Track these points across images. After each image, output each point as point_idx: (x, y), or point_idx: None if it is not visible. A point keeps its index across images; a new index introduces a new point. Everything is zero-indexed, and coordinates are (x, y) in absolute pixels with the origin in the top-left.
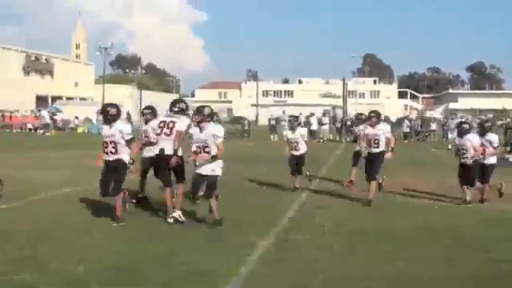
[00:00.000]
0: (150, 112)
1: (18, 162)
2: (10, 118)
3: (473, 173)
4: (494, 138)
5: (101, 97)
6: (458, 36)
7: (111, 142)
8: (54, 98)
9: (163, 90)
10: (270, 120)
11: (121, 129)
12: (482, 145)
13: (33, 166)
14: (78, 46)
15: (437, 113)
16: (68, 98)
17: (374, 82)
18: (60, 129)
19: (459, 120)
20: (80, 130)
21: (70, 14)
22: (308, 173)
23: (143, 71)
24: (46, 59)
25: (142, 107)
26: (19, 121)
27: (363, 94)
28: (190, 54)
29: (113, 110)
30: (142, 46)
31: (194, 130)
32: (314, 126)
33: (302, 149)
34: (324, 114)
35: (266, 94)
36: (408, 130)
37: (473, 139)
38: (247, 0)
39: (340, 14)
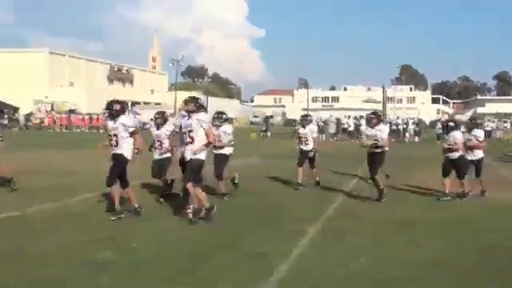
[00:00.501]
0: (160, 117)
1: (102, 157)
2: (97, 120)
3: (457, 166)
4: (479, 133)
5: (173, 102)
6: (485, 48)
7: (114, 135)
8: (134, 103)
9: (226, 96)
10: (318, 122)
11: (123, 122)
12: (467, 141)
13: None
14: (154, 59)
15: (466, 116)
16: (145, 103)
17: (410, 89)
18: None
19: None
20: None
21: (148, 31)
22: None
23: (209, 80)
24: (127, 70)
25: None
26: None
27: (401, 99)
28: (249, 64)
29: (117, 106)
30: (208, 58)
31: (183, 119)
32: (351, 128)
33: (311, 144)
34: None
35: (315, 99)
36: (440, 132)
37: (457, 136)
38: (298, 19)
39: (381, 27)
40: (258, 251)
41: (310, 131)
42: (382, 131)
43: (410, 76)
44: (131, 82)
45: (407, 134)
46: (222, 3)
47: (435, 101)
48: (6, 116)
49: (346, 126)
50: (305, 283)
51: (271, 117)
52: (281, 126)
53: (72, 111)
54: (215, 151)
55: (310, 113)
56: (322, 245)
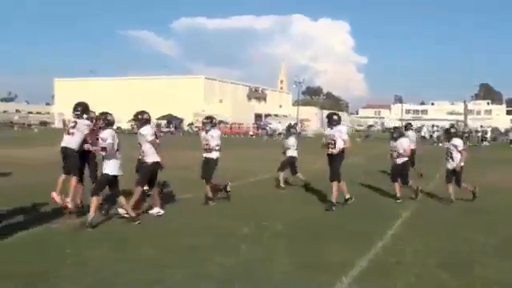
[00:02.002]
0: (208, 122)
1: (243, 156)
2: (239, 127)
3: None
4: (458, 142)
5: (295, 114)
6: None
7: (139, 144)
8: (267, 115)
9: (337, 110)
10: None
11: (142, 133)
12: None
13: (252, 159)
14: (281, 82)
15: None
16: (275, 115)
17: (488, 103)
18: (270, 135)
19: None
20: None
21: (277, 61)
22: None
23: (324, 97)
24: (262, 90)
25: (323, 122)
26: (244, 130)
27: (479, 111)
28: (355, 84)
29: (145, 115)
30: (323, 80)
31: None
32: (426, 135)
33: (401, 158)
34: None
35: (408, 112)
36: None
37: (404, 141)
38: (394, 47)
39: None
40: (359, 231)
41: (400, 144)
42: (342, 132)
43: (487, 92)
44: (265, 99)
45: (484, 141)
46: (334, 38)
47: (509, 112)
48: (172, 125)
49: (423, 134)
50: (396, 257)
51: (372, 125)
52: (379, 133)
53: (221, 121)
54: (204, 155)
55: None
56: (410, 227)
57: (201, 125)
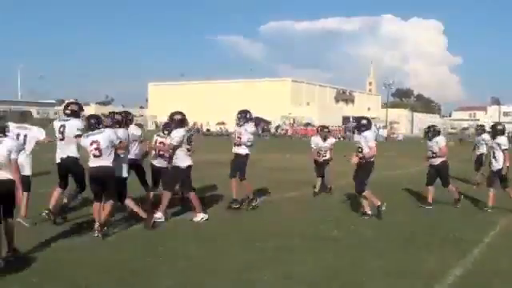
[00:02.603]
0: (243, 116)
1: None
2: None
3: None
4: (502, 140)
5: (384, 117)
6: None
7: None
8: (354, 118)
9: (429, 112)
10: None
11: (172, 136)
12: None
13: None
14: (370, 84)
15: None
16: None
17: None
18: None
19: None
20: None
21: (365, 63)
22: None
23: (414, 99)
24: (349, 92)
25: (414, 125)
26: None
27: None
28: (448, 85)
29: (178, 116)
30: (414, 82)
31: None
32: None
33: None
34: None
35: (506, 114)
36: None
37: (440, 140)
38: (491, 46)
39: None
40: (455, 237)
41: (329, 144)
42: (367, 139)
43: None
44: (352, 101)
45: None
46: (425, 38)
47: None
48: (259, 128)
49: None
50: (494, 266)
51: (467, 128)
52: (474, 136)
53: (308, 124)
54: (234, 150)
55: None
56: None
57: (290, 127)
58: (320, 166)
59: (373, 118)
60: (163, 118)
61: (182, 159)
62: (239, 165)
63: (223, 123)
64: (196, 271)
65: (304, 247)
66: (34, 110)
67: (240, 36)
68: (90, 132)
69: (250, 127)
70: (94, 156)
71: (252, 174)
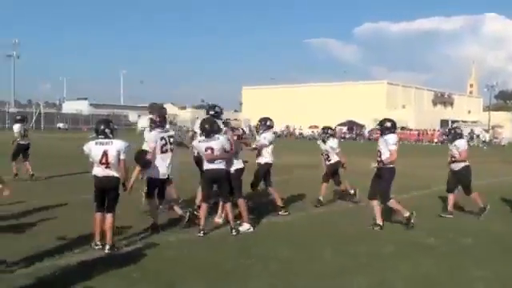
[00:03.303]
0: (263, 123)
1: (423, 164)
2: (422, 134)
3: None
4: (460, 142)
5: (486, 120)
6: None
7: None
8: (453, 121)
9: None
10: None
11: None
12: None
13: (432, 167)
14: (471, 85)
15: None
16: (463, 121)
17: None
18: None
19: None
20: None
21: (465, 64)
22: None
23: None
24: (448, 95)
25: None
26: (429, 136)
27: None
28: None
29: (269, 122)
30: None
31: None
32: None
33: (333, 159)
34: None
35: None
36: None
37: (459, 144)
38: None
39: None
40: None
41: (329, 147)
42: (388, 142)
43: None
44: (451, 104)
45: None
46: None
47: None
48: (353, 132)
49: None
50: None
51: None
52: None
53: (403, 128)
54: (257, 161)
55: None
56: None
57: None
58: (327, 171)
59: (473, 122)
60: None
61: (263, 156)
62: (255, 174)
63: (316, 126)
64: (287, 273)
65: (398, 254)
66: (134, 114)
67: (333, 38)
68: (205, 138)
69: (269, 135)
70: (208, 161)
71: (344, 178)
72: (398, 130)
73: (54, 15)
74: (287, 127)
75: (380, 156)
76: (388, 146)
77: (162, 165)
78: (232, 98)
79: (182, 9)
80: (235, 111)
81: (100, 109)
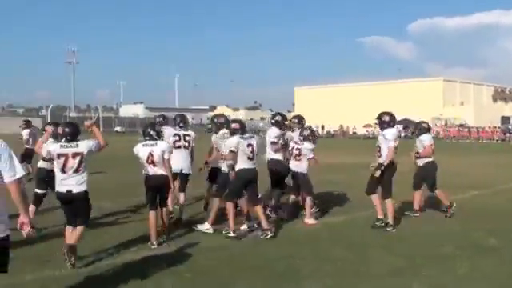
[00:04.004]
0: (297, 122)
1: (483, 163)
2: (482, 132)
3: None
4: (425, 137)
5: None
6: None
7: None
8: None
9: None
10: None
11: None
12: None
13: (492, 166)
14: None
15: None
16: None
17: None
18: None
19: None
20: None
21: None
22: None
23: None
24: (509, 91)
25: None
26: (488, 134)
27: None
28: None
29: (235, 125)
30: None
31: None
32: None
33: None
34: None
35: None
36: None
37: (424, 139)
38: None
39: None
40: None
41: (419, 142)
42: (386, 137)
43: None
44: None
45: None
46: None
47: None
48: (408, 130)
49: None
50: None
51: None
52: None
53: (461, 125)
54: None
55: None
56: None
57: (442, 129)
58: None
59: None
60: (309, 122)
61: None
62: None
63: (370, 125)
64: (341, 274)
65: (456, 255)
66: (189, 116)
67: (387, 36)
68: (245, 136)
69: (273, 132)
70: (249, 158)
71: (402, 179)
72: (455, 128)
73: (111, 23)
74: (341, 127)
75: (380, 152)
76: (387, 142)
77: (175, 159)
78: (285, 99)
79: (235, 14)
80: (288, 111)
81: (155, 112)
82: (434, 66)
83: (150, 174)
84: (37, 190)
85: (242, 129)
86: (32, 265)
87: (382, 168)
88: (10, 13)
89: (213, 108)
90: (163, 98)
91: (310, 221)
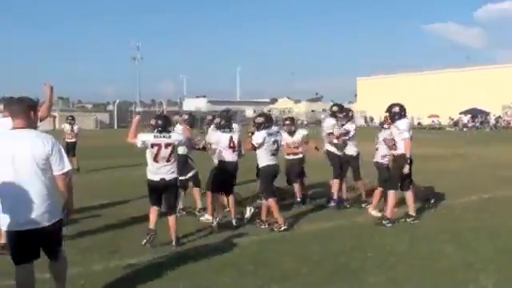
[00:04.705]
0: (343, 114)
1: None
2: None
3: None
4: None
5: None
6: None
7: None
8: None
9: None
10: None
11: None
12: None
13: None
14: None
15: None
16: None
17: None
18: None
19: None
20: None
21: None
22: None
23: None
24: None
25: None
26: None
27: None
28: None
29: (260, 119)
30: None
31: None
32: None
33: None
34: None
35: None
36: None
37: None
38: None
39: None
40: None
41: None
42: (399, 129)
43: None
44: None
45: None
46: None
47: None
48: (477, 120)
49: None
50: None
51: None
52: None
53: None
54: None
55: None
56: None
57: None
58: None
59: None
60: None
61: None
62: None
63: (436, 116)
64: (406, 268)
65: None
66: (250, 109)
67: (452, 22)
68: (271, 131)
69: (352, 126)
70: (272, 155)
71: (473, 171)
72: None
73: (174, 18)
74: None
75: (394, 145)
76: (401, 134)
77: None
78: (347, 90)
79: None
80: (350, 102)
81: (218, 105)
82: (504, 53)
83: (227, 159)
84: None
85: (267, 123)
86: (100, 255)
87: (408, 162)
88: (78, 15)
89: (274, 100)
90: (225, 91)
91: (374, 212)
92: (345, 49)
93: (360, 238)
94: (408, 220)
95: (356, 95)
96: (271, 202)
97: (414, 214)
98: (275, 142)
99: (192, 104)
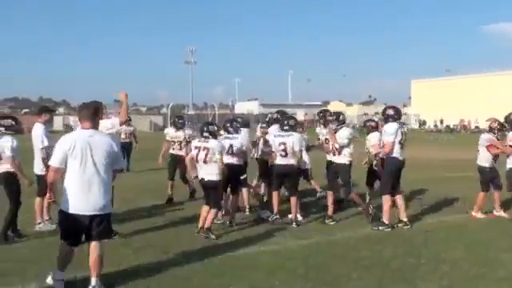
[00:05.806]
0: (335, 119)
1: None
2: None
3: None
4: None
5: None
6: None
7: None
8: None
9: None
10: None
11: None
12: None
13: None
14: None
15: None
16: None
17: None
18: None
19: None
20: None
21: None
22: None
23: None
24: None
25: None
26: None
27: None
28: None
29: (291, 122)
30: None
31: None
32: None
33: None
34: None
35: None
36: None
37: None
38: None
39: None
40: None
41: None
42: (385, 132)
43: None
44: None
45: None
46: None
47: None
48: None
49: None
50: None
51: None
52: None
53: None
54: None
55: None
56: None
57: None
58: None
59: None
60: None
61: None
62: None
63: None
64: (460, 277)
65: None
66: (301, 112)
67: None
68: (280, 133)
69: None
70: (281, 156)
71: None
72: None
73: (227, 22)
74: (461, 121)
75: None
76: (385, 136)
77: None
78: (401, 92)
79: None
80: (404, 106)
81: (269, 108)
82: None
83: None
84: None
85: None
86: (152, 255)
87: (377, 159)
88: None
89: (326, 103)
90: (277, 94)
91: (478, 214)
92: (399, 50)
93: (412, 243)
94: (399, 225)
95: (410, 98)
96: (293, 198)
97: (404, 220)
98: (281, 144)
99: (244, 107)
